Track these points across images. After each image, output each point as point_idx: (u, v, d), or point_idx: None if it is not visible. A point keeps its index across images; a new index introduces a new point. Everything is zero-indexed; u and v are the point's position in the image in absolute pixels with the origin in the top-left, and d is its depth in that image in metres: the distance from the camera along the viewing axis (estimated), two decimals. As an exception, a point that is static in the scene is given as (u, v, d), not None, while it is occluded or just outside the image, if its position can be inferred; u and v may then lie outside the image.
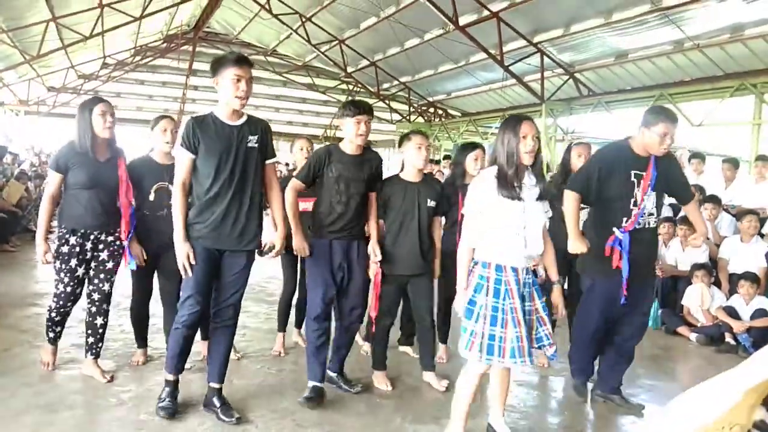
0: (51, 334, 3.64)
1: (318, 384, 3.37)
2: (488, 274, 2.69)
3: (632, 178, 3.31)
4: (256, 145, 3.02)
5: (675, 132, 3.30)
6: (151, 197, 3.63)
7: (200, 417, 3.11)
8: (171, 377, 3.14)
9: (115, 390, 3.40)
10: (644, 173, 3.31)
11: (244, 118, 3.05)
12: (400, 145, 3.66)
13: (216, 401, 3.11)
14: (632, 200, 3.31)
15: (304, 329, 3.76)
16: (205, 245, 2.99)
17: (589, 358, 3.74)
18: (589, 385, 3.77)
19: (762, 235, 6.14)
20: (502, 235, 2.70)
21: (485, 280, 2.69)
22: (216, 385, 3.14)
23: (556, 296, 2.93)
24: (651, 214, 3.40)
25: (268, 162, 3.14)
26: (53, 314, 3.55)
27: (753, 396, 0.84)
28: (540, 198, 2.77)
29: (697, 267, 5.85)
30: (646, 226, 3.39)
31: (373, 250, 3.51)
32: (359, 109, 3.36)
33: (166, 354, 3.20)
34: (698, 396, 0.93)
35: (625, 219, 3.33)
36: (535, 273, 2.94)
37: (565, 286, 4.09)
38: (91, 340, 3.59)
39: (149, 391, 3.37)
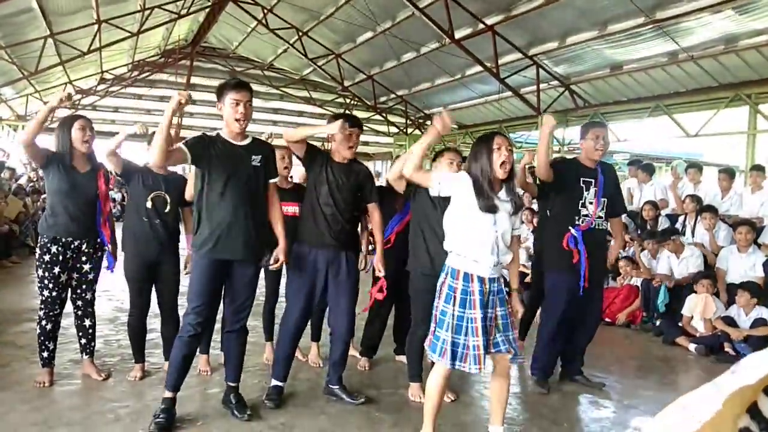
0: (45, 354, 3.66)
1: (279, 384, 3.55)
2: (456, 284, 2.82)
3: (581, 184, 3.93)
4: (260, 164, 3.22)
5: (605, 134, 3.97)
6: (148, 204, 3.69)
7: (198, 432, 3.10)
8: (169, 394, 3.16)
9: (112, 406, 3.38)
10: (593, 180, 3.94)
11: (249, 140, 3.26)
12: (434, 160, 3.85)
13: (232, 398, 3.36)
14: (580, 202, 3.92)
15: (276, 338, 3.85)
16: (213, 257, 3.14)
17: (552, 357, 4.20)
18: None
19: (759, 245, 6.16)
20: (471, 245, 2.82)
21: (453, 291, 2.82)
22: (233, 384, 3.39)
23: (515, 302, 3.10)
24: (600, 217, 3.97)
25: (270, 181, 3.33)
26: (44, 323, 3.61)
27: (735, 402, 0.82)
28: (513, 212, 2.90)
29: (701, 276, 5.85)
30: (597, 227, 3.98)
31: (377, 266, 3.62)
32: (349, 122, 3.54)
33: (165, 368, 3.22)
34: (682, 406, 0.92)
35: (577, 218, 3.91)
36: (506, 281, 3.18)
37: None
38: (83, 341, 3.83)
39: (147, 407, 3.35)
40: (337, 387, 3.65)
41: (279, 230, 3.35)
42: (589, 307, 4.11)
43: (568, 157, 4.36)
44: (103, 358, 4.13)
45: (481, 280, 2.81)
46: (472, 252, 2.81)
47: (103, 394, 3.58)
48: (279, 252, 3.33)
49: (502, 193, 2.87)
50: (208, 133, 3.25)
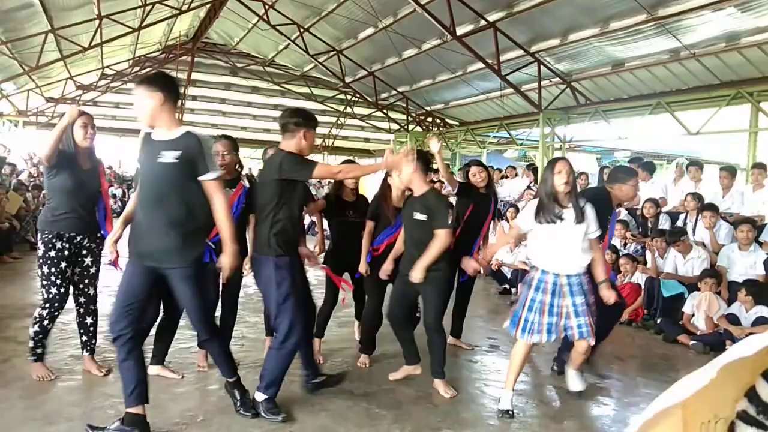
0: (39, 350, 3.69)
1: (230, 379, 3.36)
2: (535, 277, 3.60)
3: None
4: (175, 161, 2.84)
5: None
6: None
7: None
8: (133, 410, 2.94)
9: (113, 401, 3.38)
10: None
11: (173, 134, 2.92)
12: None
13: (237, 394, 3.32)
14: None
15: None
16: (136, 261, 2.94)
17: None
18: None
19: (760, 243, 6.16)
20: (543, 249, 3.59)
21: (531, 281, 3.61)
22: (230, 379, 3.33)
23: (603, 292, 3.66)
24: None
25: (201, 178, 2.91)
26: (45, 322, 3.61)
27: (733, 371, 0.80)
28: (578, 221, 3.47)
29: (706, 274, 5.85)
30: None
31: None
32: (315, 122, 3.53)
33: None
34: (677, 386, 0.93)
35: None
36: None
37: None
38: (84, 338, 3.85)
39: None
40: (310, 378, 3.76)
41: (223, 234, 2.99)
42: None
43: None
44: (103, 354, 4.13)
45: (557, 275, 3.53)
46: (545, 253, 3.57)
47: (104, 390, 3.59)
48: (223, 259, 2.99)
49: (569, 207, 3.48)
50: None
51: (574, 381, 3.99)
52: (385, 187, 4.36)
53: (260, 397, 3.30)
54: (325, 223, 4.57)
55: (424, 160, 3.94)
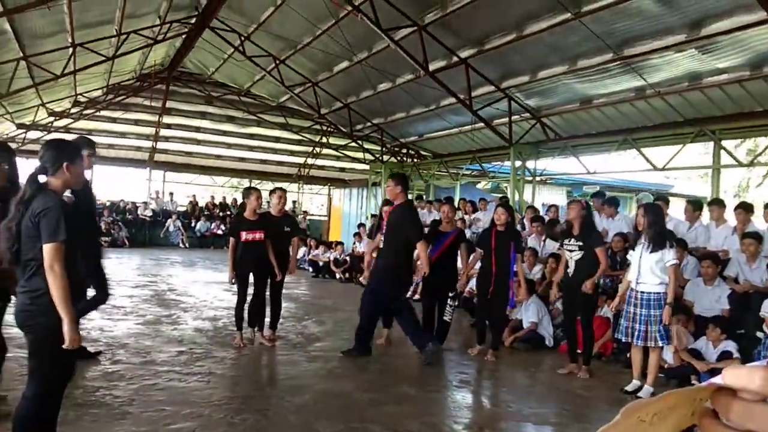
0: None
1: None
2: (628, 291, 5.17)
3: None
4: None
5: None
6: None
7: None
8: None
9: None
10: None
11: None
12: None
13: None
14: None
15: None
16: None
17: None
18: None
19: (724, 278, 6.29)
20: (630, 272, 5.17)
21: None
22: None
23: (665, 314, 4.93)
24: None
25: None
26: None
27: (676, 400, 0.72)
28: (651, 250, 4.93)
29: (678, 310, 5.94)
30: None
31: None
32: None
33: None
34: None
35: None
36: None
37: None
38: None
39: None
40: None
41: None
42: None
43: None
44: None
45: (642, 292, 4.98)
46: (631, 273, 5.12)
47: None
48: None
49: (645, 239, 5.02)
50: None
51: None
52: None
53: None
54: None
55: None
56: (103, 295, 5.00)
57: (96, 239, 5.47)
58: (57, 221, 2.60)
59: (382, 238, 6.14)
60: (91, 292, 4.84)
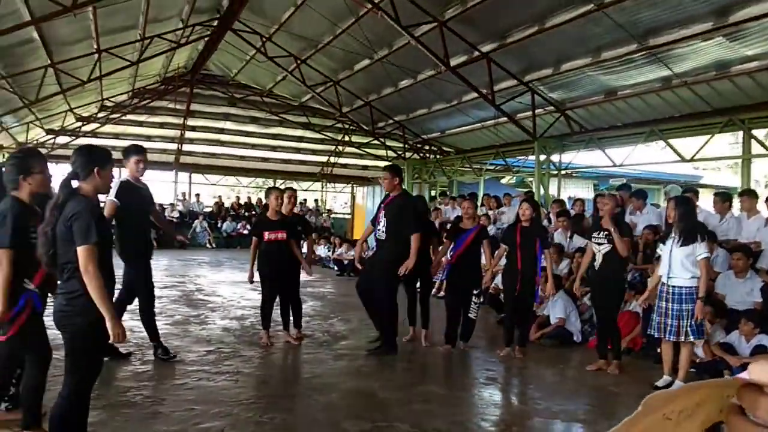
0: None
1: None
2: (659, 285, 5.11)
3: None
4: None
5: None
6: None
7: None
8: None
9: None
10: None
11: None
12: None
13: None
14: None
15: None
16: None
17: None
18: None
19: (756, 270, 6.15)
20: (661, 266, 5.12)
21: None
22: None
23: (697, 309, 4.85)
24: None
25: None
26: None
27: (701, 394, 0.65)
28: (681, 243, 4.87)
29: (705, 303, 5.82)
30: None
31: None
32: None
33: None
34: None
35: None
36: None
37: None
38: None
39: None
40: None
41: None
42: None
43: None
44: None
45: (673, 286, 4.92)
46: (662, 270, 5.07)
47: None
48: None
49: (675, 232, 4.95)
50: None
51: None
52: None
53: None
54: None
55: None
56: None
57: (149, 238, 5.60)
58: (88, 224, 2.68)
59: (376, 229, 5.98)
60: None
